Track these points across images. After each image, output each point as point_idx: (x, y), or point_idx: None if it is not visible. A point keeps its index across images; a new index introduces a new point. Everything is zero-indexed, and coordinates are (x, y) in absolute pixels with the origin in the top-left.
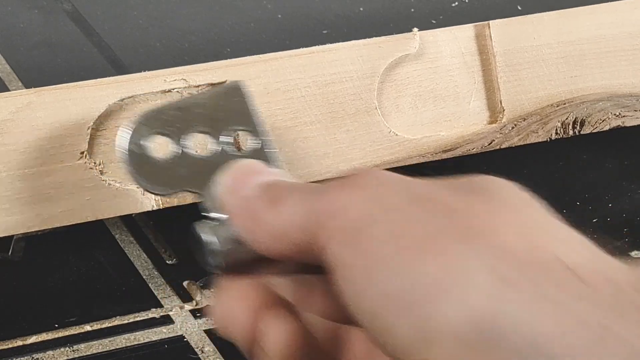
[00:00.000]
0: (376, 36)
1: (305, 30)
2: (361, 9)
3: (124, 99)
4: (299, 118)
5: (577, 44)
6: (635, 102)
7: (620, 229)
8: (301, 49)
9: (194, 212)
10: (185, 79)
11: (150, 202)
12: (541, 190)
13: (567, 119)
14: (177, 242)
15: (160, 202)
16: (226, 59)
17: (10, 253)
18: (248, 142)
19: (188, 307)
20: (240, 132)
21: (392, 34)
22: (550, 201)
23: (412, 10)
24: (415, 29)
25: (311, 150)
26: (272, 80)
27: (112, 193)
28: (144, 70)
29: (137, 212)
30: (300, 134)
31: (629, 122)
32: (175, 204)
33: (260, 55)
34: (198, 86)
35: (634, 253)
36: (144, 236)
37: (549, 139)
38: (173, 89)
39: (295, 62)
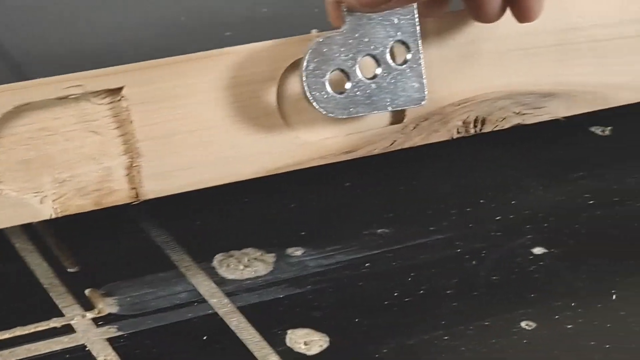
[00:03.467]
0: (279, 38)
1: (209, 32)
2: (264, 10)
3: (19, 106)
4: (200, 122)
5: (476, 44)
6: (534, 100)
7: (523, 226)
8: (202, 52)
9: (94, 220)
10: (82, 85)
11: (48, 210)
12: (445, 189)
13: (468, 117)
14: (79, 249)
15: (59, 211)
16: (129, 62)
17: None
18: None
19: (90, 315)
20: (396, 45)
21: (295, 36)
22: (454, 200)
23: (316, 10)
24: (314, 30)
25: (212, 154)
26: (172, 84)
27: (9, 202)
28: (46, 77)
29: (35, 220)
30: (202, 139)
31: (529, 120)
32: (73, 212)
33: (160, 60)
34: (96, 92)
35: (536, 250)
36: (44, 244)
37: (451, 138)
38: (70, 95)
39: (196, 65)
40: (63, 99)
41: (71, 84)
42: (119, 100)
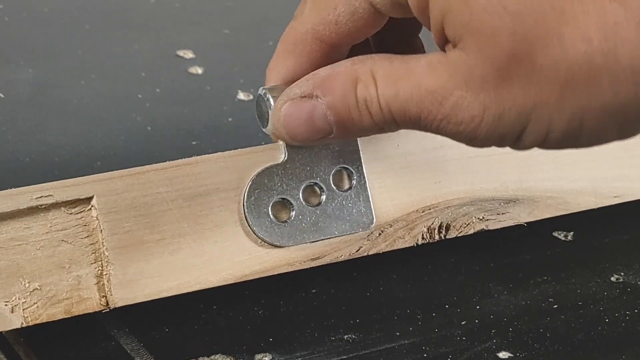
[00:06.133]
0: (245, 146)
1: (175, 141)
2: (230, 119)
3: None
4: (167, 231)
5: (439, 150)
6: (497, 206)
7: (488, 331)
8: (168, 162)
9: (64, 329)
10: (52, 195)
11: (18, 319)
12: (410, 294)
13: (432, 223)
14: (48, 357)
15: (30, 319)
16: (97, 172)
17: None
18: (348, 179)
19: None
20: (339, 170)
21: (261, 144)
22: (420, 305)
23: None
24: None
25: (180, 262)
26: (140, 194)
27: None
28: (14, 186)
29: (5, 329)
30: (169, 247)
31: (493, 226)
32: (44, 321)
33: (128, 170)
34: (66, 201)
35: (501, 354)
36: (14, 354)
37: (415, 244)
38: (40, 205)
39: (162, 175)
40: (34, 209)
41: (42, 194)
42: (89, 209)
